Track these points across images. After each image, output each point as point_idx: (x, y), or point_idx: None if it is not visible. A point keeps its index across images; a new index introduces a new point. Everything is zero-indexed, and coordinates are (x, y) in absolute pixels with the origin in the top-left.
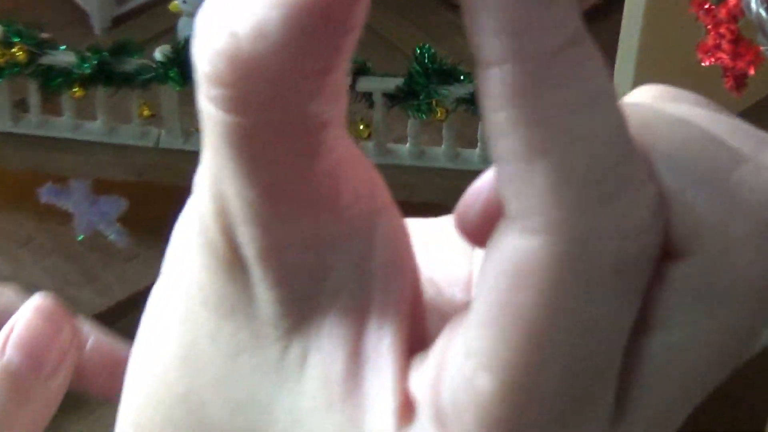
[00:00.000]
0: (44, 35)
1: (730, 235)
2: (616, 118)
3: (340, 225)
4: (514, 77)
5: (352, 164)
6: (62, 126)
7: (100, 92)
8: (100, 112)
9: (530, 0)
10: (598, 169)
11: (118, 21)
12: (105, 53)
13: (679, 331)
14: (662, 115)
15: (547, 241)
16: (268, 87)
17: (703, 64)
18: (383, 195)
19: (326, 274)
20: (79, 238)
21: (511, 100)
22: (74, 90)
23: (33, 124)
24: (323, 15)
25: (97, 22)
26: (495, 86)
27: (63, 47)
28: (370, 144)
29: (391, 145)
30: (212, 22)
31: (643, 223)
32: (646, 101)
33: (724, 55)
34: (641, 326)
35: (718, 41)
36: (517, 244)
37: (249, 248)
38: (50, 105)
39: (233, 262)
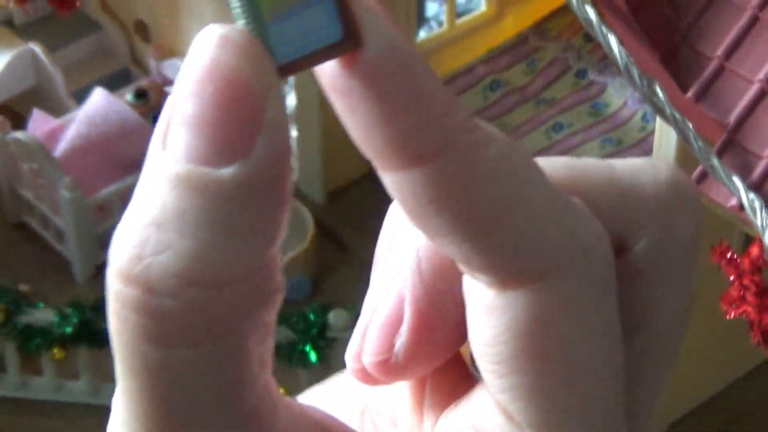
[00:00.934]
0: (23, 287)
1: (658, 215)
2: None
3: None
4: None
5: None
6: (43, 387)
7: (83, 351)
8: (83, 372)
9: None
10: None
11: (101, 268)
12: (87, 311)
13: (658, 314)
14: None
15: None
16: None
17: (727, 316)
18: None
19: None
20: None
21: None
22: (54, 351)
23: (12, 385)
24: None
25: (80, 271)
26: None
27: (41, 304)
28: None
29: None
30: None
31: (599, 230)
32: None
33: (749, 308)
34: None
35: (742, 293)
36: (519, 303)
37: None
38: (30, 364)
39: None
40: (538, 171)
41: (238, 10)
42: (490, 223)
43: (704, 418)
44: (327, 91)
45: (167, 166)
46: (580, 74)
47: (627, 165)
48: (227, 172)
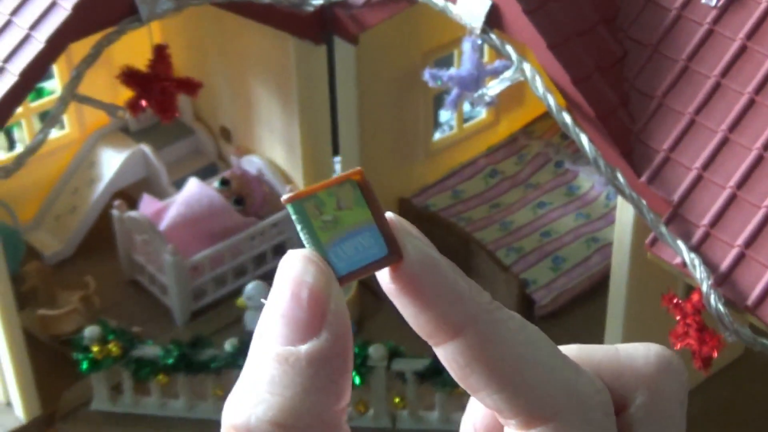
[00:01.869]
0: (135, 329)
1: (649, 380)
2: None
3: None
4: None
5: None
6: (151, 405)
7: (182, 377)
8: (181, 393)
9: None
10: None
11: (195, 314)
12: (185, 347)
13: None
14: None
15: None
16: None
17: (674, 348)
18: None
19: None
20: None
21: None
22: (159, 377)
23: (127, 404)
24: None
25: (179, 316)
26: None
27: (150, 342)
28: (404, 413)
29: (423, 413)
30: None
31: (599, 386)
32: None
33: (692, 341)
34: None
35: (686, 329)
36: None
37: None
38: (141, 387)
39: None
40: (546, 341)
41: (305, 239)
42: (512, 378)
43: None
44: (386, 293)
45: (264, 347)
46: (558, 164)
47: (627, 346)
48: (303, 348)
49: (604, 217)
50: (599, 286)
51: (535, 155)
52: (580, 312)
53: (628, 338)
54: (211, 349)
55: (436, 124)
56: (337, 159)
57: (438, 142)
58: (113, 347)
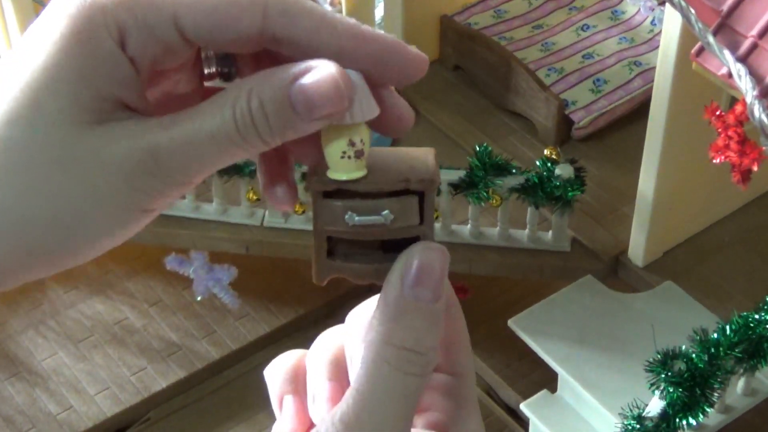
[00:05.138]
0: None
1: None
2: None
3: None
4: None
5: None
6: (184, 207)
7: (216, 180)
8: (215, 196)
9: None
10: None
11: None
12: None
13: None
14: None
15: None
16: None
17: (714, 161)
18: None
19: None
20: (198, 299)
21: None
22: None
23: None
24: None
25: None
26: None
27: None
28: (437, 225)
29: (455, 227)
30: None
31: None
32: None
33: (732, 154)
34: None
35: (727, 142)
36: None
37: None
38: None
39: None
40: None
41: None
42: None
43: (692, 247)
44: None
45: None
46: None
47: None
48: (437, 305)
49: (648, 42)
50: (639, 110)
51: None
52: (618, 134)
53: (666, 156)
54: None
55: None
56: None
57: None
58: None
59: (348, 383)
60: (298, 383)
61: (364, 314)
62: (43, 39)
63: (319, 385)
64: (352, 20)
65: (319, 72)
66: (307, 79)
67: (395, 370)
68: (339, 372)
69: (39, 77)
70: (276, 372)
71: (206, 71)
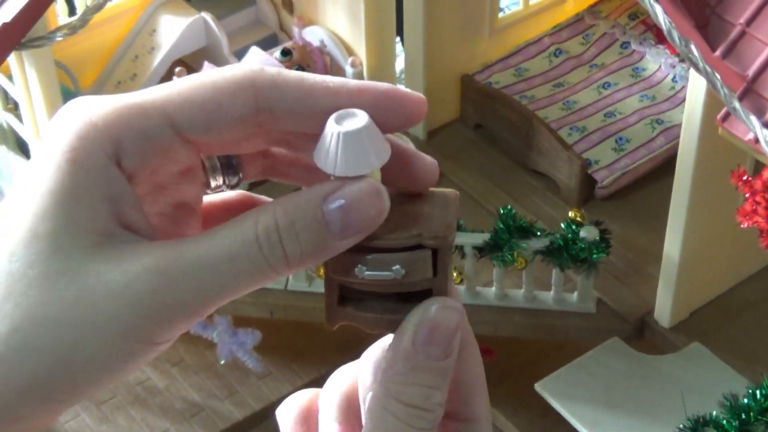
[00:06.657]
0: None
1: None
2: None
3: None
4: None
5: None
6: None
7: None
8: None
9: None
10: None
11: None
12: None
13: None
14: None
15: None
16: None
17: (742, 226)
18: None
19: None
20: (221, 363)
21: None
22: None
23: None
24: None
25: None
26: None
27: None
28: (461, 288)
29: (480, 288)
30: None
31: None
32: None
33: (760, 219)
34: None
35: (754, 207)
36: None
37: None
38: None
39: None
40: None
41: None
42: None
43: (719, 306)
44: None
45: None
46: (624, 45)
47: None
48: (447, 361)
49: (670, 99)
50: (662, 168)
51: (601, 35)
52: (641, 193)
53: (692, 217)
54: None
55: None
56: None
57: (503, 19)
58: None
59: (359, 425)
60: (310, 424)
61: (380, 353)
62: (38, 166)
63: (329, 428)
64: (341, 78)
65: (357, 187)
66: (344, 196)
67: (404, 425)
68: (350, 414)
69: (37, 204)
70: (288, 412)
71: (213, 184)
